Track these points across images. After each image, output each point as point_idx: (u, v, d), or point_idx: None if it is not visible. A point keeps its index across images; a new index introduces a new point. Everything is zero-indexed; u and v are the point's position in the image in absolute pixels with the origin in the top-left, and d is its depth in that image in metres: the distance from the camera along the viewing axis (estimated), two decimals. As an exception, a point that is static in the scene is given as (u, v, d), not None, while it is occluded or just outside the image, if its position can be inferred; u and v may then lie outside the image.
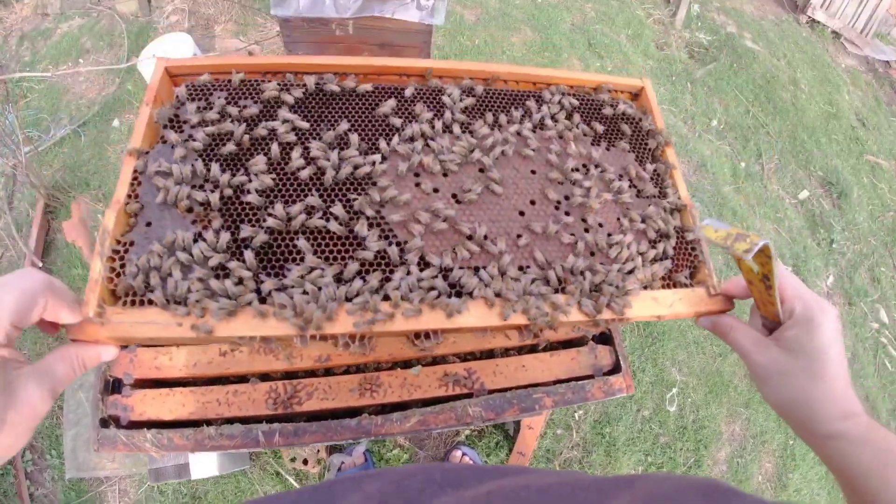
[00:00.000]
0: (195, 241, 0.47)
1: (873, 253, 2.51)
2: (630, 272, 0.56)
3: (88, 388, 1.58)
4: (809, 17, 3.50)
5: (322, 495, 0.37)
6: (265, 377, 0.70)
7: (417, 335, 0.51)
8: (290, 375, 0.71)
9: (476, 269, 0.52)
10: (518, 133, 0.61)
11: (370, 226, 0.51)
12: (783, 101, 2.89)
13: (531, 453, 1.56)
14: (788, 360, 0.49)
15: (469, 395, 0.73)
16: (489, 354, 0.77)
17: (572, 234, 0.56)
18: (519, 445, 1.51)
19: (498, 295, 0.50)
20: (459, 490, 0.36)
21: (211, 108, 0.55)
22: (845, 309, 2.34)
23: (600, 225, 0.58)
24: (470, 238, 0.53)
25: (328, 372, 0.72)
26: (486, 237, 0.53)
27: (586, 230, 0.57)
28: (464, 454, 1.50)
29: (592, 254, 0.56)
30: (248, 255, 0.46)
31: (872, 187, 2.77)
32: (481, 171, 0.58)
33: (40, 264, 1.77)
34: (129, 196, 0.49)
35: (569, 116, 0.65)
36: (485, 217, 0.55)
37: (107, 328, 0.42)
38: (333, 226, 0.50)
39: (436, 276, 0.50)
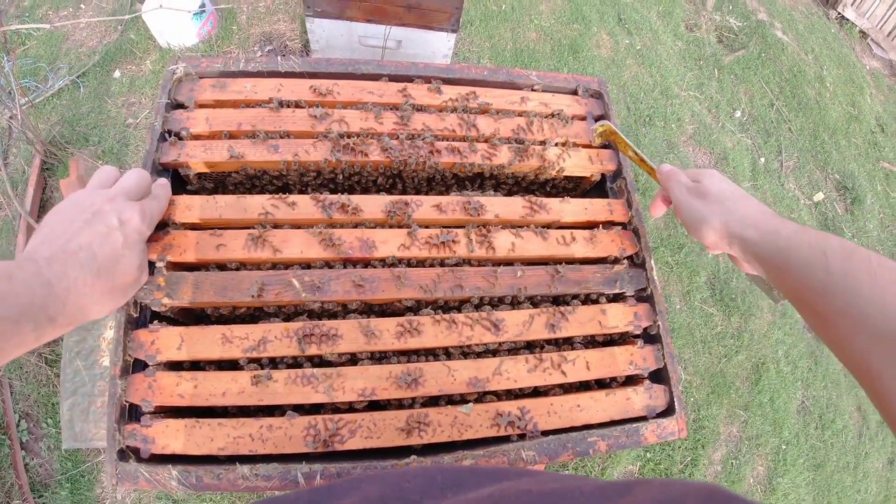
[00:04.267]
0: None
1: (880, 262, 2.50)
2: None
3: (86, 356, 1.50)
4: (839, 13, 3.37)
5: (320, 496, 0.36)
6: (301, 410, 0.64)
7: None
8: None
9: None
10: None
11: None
12: (808, 97, 2.80)
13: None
14: (703, 199, 0.64)
15: (522, 436, 0.67)
16: (544, 392, 0.72)
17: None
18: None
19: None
20: (460, 494, 0.35)
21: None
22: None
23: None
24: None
25: (372, 406, 0.66)
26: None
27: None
28: None
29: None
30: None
31: (885, 196, 2.74)
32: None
33: (36, 225, 1.65)
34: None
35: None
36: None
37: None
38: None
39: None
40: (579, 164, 0.82)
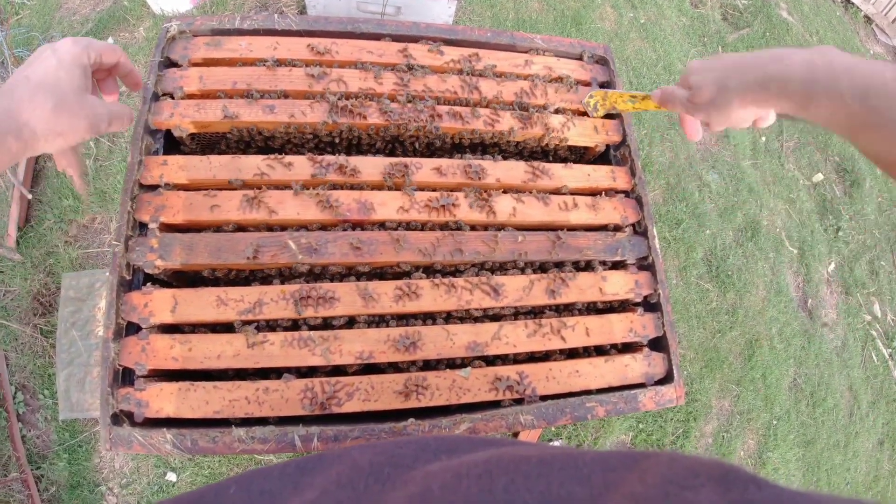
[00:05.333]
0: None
1: (875, 246, 2.51)
2: None
3: (81, 326, 1.49)
4: (845, -4, 3.31)
5: (310, 464, 0.35)
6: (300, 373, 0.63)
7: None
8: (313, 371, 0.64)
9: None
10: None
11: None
12: (811, 77, 2.76)
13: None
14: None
15: (520, 401, 0.67)
16: (543, 357, 0.71)
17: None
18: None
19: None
20: (454, 457, 0.35)
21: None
22: (842, 298, 2.36)
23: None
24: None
25: (368, 369, 0.65)
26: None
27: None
28: None
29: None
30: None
31: (884, 180, 2.73)
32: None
33: (30, 196, 1.63)
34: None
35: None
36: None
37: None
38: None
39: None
40: (584, 133, 0.80)
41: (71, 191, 1.64)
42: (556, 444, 1.66)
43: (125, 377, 0.61)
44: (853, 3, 3.33)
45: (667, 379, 0.75)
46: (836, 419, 2.15)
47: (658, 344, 0.76)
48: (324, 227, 0.67)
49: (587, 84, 0.84)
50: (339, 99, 0.72)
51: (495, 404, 0.66)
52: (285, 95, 0.73)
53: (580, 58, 0.86)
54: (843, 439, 2.14)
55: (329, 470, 0.34)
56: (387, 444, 0.38)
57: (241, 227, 0.67)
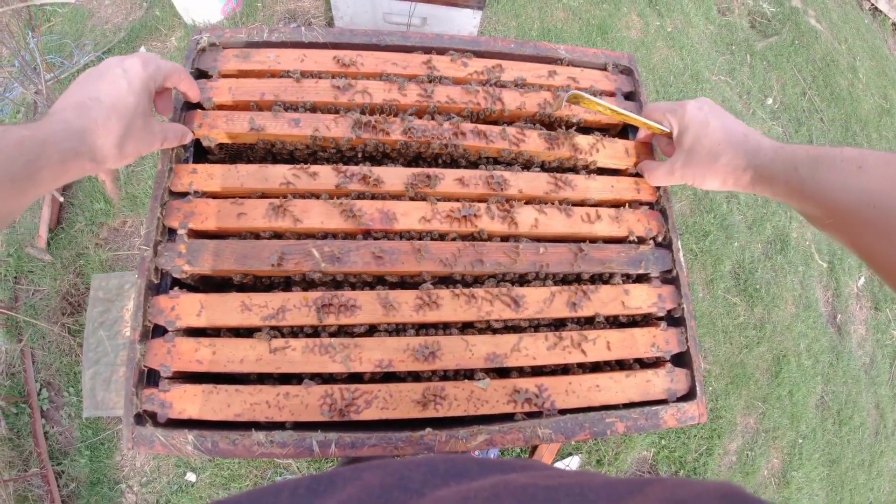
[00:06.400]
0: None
1: (908, 260, 2.43)
2: None
3: (109, 326, 1.53)
4: (872, 4, 3.24)
5: (322, 484, 0.36)
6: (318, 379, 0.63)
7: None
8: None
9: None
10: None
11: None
12: (840, 87, 2.70)
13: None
14: (690, 164, 0.65)
15: (538, 414, 0.67)
16: (563, 371, 0.71)
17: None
18: (538, 453, 1.50)
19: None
20: (462, 483, 0.35)
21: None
22: (871, 314, 2.29)
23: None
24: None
25: (387, 378, 0.65)
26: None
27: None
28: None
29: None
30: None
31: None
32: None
33: (61, 199, 1.68)
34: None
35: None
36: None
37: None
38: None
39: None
40: (614, 155, 0.78)
41: (102, 195, 1.70)
42: (576, 458, 1.64)
43: (150, 378, 0.62)
44: (881, 11, 3.25)
45: (689, 395, 0.73)
46: (862, 438, 2.08)
47: (681, 359, 0.75)
48: (347, 235, 0.68)
49: (612, 94, 0.83)
50: (362, 114, 0.73)
51: (513, 417, 0.66)
52: (313, 108, 0.74)
53: (605, 68, 0.85)
54: (868, 458, 2.06)
55: (340, 493, 0.34)
56: (396, 465, 0.38)
57: (270, 236, 0.68)
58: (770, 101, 2.48)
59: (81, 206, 1.70)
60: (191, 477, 1.50)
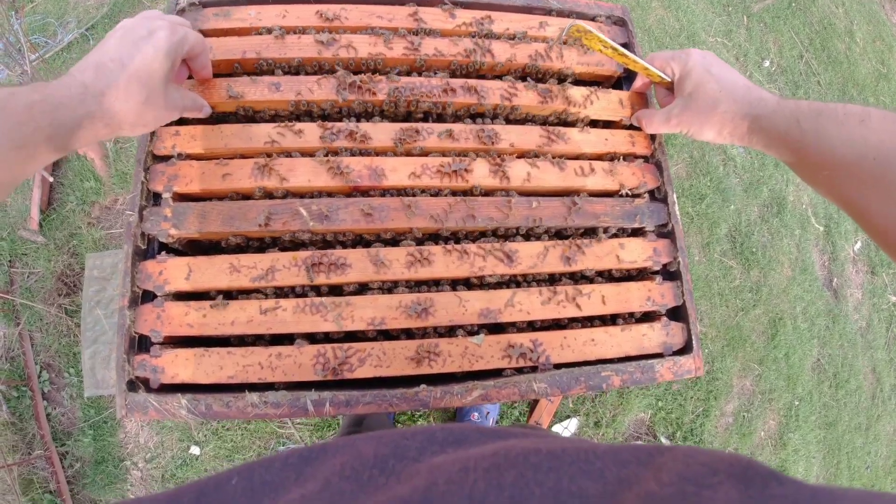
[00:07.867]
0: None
1: (904, 223, 2.42)
2: None
3: (106, 305, 1.53)
4: (868, -33, 3.16)
5: (314, 453, 0.35)
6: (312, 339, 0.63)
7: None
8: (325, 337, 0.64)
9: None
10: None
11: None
12: (837, 51, 2.66)
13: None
14: (687, 111, 0.64)
15: (534, 369, 0.66)
16: (558, 325, 0.70)
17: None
18: (536, 415, 1.50)
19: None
20: (461, 449, 0.34)
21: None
22: (867, 277, 2.29)
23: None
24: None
25: (381, 336, 0.65)
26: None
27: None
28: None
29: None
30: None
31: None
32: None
33: (51, 179, 1.65)
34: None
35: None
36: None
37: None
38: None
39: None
40: (608, 107, 0.76)
41: (92, 173, 1.67)
42: (574, 420, 1.65)
43: (141, 345, 0.62)
44: (877, -25, 3.18)
45: (686, 349, 0.73)
46: (859, 401, 2.11)
47: (677, 313, 0.74)
48: (334, 193, 0.67)
49: (604, 47, 0.81)
50: (346, 69, 0.70)
51: (508, 372, 0.66)
52: (295, 67, 0.72)
53: (598, 19, 0.83)
54: (865, 422, 2.09)
55: (332, 460, 0.34)
56: (393, 435, 0.37)
57: (260, 195, 0.66)
58: (767, 63, 2.44)
59: (72, 185, 1.68)
60: (195, 450, 1.52)
